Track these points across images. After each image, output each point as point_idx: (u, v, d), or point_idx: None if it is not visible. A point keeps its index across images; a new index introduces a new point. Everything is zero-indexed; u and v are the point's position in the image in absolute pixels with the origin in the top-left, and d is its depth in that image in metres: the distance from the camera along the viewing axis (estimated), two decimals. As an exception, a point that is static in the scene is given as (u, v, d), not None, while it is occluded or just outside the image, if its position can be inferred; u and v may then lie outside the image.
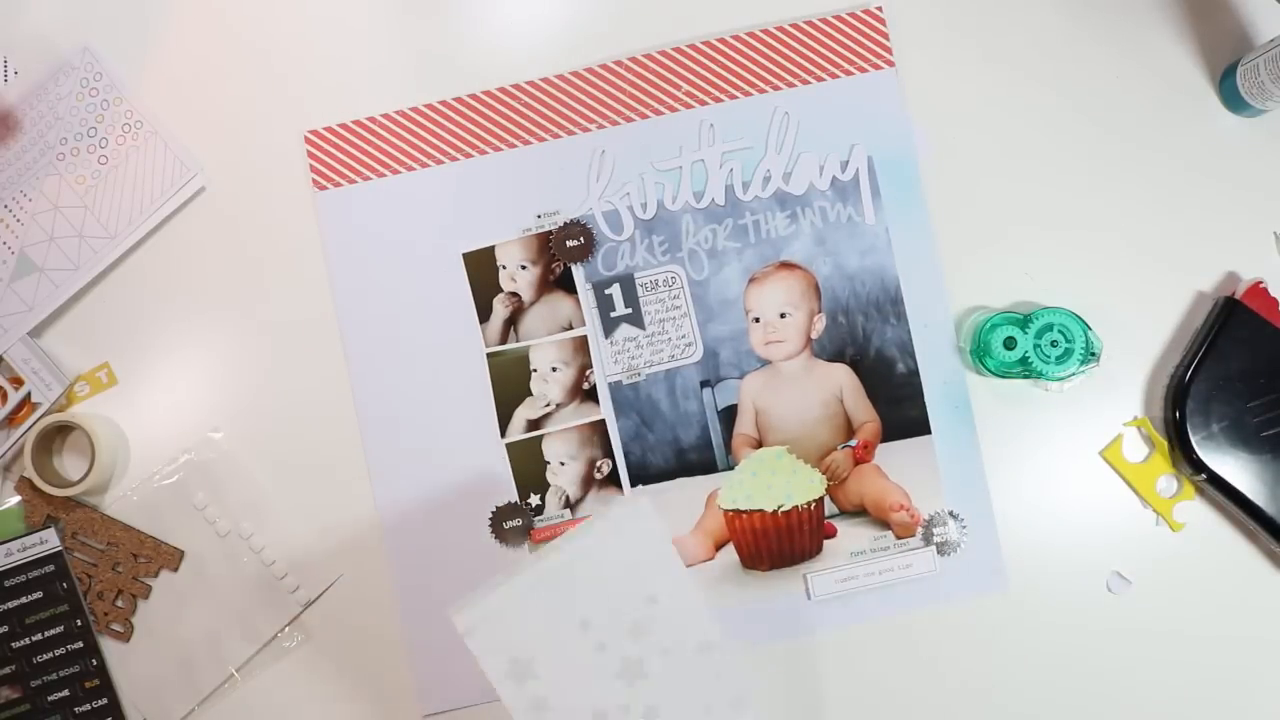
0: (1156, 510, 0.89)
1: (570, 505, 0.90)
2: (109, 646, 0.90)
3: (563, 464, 0.90)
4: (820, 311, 0.90)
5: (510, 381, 0.91)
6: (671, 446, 0.90)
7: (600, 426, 0.90)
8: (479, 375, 0.91)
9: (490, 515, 0.90)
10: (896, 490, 0.89)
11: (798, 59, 0.92)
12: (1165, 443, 0.89)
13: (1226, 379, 0.87)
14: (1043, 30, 0.93)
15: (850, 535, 0.89)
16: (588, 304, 0.91)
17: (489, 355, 0.91)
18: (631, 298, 0.91)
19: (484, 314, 0.91)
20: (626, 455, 0.90)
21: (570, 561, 0.73)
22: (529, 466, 0.90)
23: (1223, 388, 0.87)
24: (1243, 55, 0.89)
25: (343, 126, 0.92)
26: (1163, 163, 0.91)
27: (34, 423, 0.90)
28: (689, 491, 0.90)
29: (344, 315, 0.92)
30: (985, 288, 0.91)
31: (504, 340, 0.91)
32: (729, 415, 0.90)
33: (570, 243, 0.91)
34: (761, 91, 0.92)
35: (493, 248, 0.91)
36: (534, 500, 0.90)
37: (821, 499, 0.89)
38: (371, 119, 0.92)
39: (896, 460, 0.90)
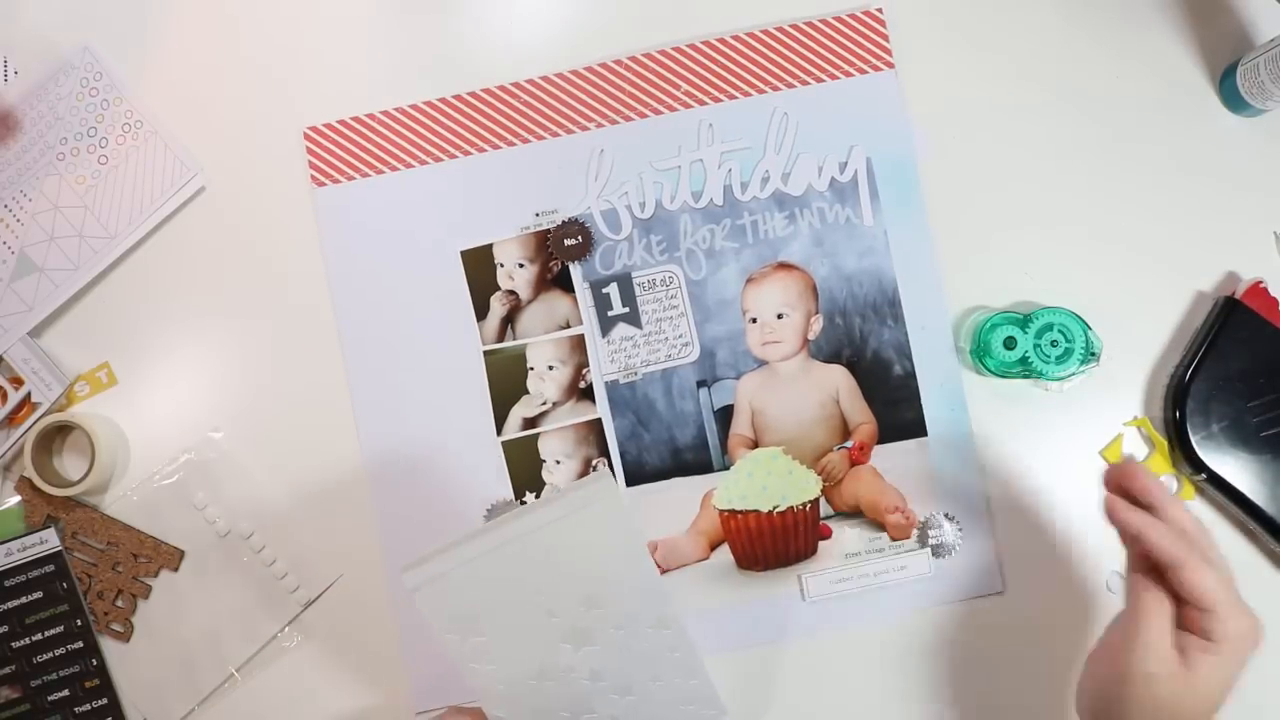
0: (1156, 511, 0.89)
1: (566, 505, 0.90)
2: (109, 646, 0.91)
3: (559, 462, 0.90)
4: (817, 312, 0.90)
5: (507, 379, 0.91)
6: (667, 446, 0.90)
7: (596, 425, 0.90)
8: (476, 373, 0.91)
9: (485, 513, 0.90)
10: (892, 492, 0.89)
11: (797, 60, 0.92)
12: (1165, 443, 0.89)
13: (1226, 379, 0.87)
14: (1042, 31, 0.92)
15: (845, 537, 0.89)
16: (585, 303, 0.91)
17: (486, 353, 0.91)
18: (629, 297, 0.91)
19: (481, 312, 0.91)
20: (622, 454, 0.90)
21: (530, 531, 0.72)
22: (525, 465, 0.90)
23: (1223, 388, 0.87)
24: (1243, 55, 0.89)
25: (341, 123, 0.93)
26: (1163, 163, 0.91)
27: (34, 423, 0.90)
28: (684, 491, 0.90)
29: (341, 312, 0.92)
30: (985, 288, 0.91)
31: (501, 338, 0.91)
32: (725, 415, 0.90)
33: (568, 241, 0.91)
34: (761, 92, 0.92)
35: (491, 246, 0.92)
36: (529, 498, 0.90)
37: (817, 500, 0.89)
38: (370, 116, 0.93)
39: (892, 462, 0.89)
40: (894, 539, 0.89)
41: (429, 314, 0.91)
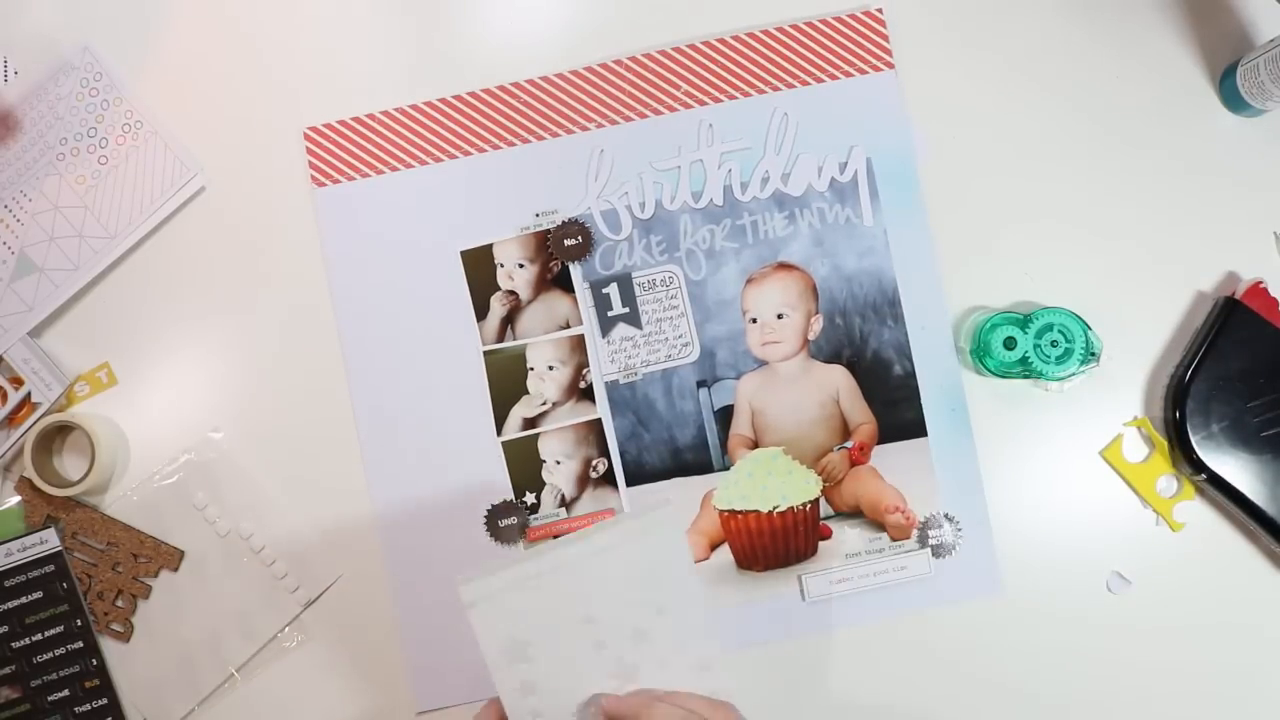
0: (1156, 510, 0.89)
1: (566, 504, 0.90)
2: (109, 646, 0.91)
3: (558, 463, 0.90)
4: (817, 312, 0.90)
5: (507, 380, 0.91)
6: (667, 446, 0.90)
7: (596, 425, 0.90)
8: (476, 373, 0.91)
9: (485, 513, 0.90)
10: (892, 492, 0.89)
11: (797, 60, 0.92)
12: (1165, 443, 0.89)
13: (1226, 379, 0.87)
14: (1043, 31, 0.92)
15: (845, 537, 0.89)
16: (585, 303, 0.91)
17: (486, 353, 0.91)
18: (629, 297, 0.91)
19: (481, 312, 0.91)
20: (622, 454, 0.90)
21: (588, 554, 0.71)
22: (525, 465, 0.90)
23: (1223, 388, 0.86)
24: (1243, 55, 0.89)
25: (341, 124, 0.92)
26: (1163, 163, 0.91)
27: (34, 423, 0.90)
28: (684, 491, 0.90)
29: (341, 312, 0.92)
30: (985, 288, 0.91)
31: (501, 338, 0.91)
32: (725, 415, 0.90)
33: (568, 241, 0.91)
34: (761, 92, 0.92)
35: (491, 246, 0.92)
36: (529, 499, 0.90)
37: (817, 500, 0.89)
38: (370, 116, 0.93)
39: (892, 462, 0.89)
40: (894, 539, 0.89)
41: (429, 314, 0.91)
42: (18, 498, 0.91)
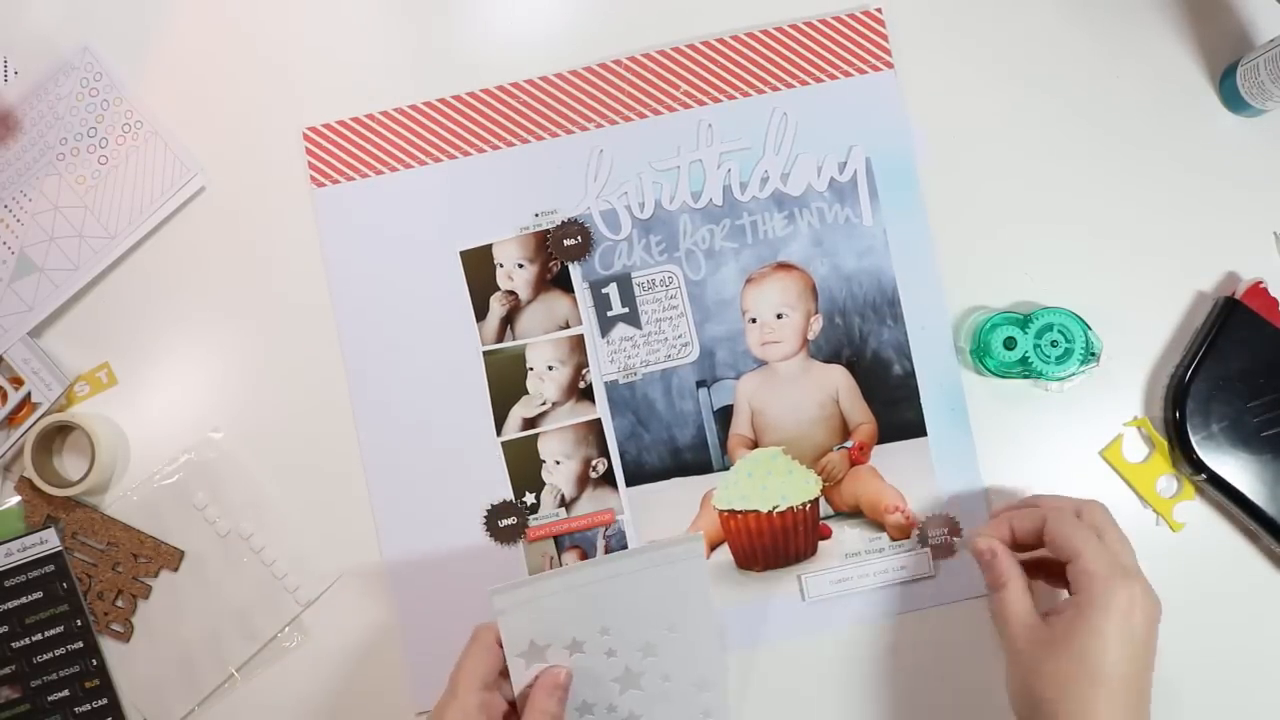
0: (1156, 510, 0.89)
1: (565, 504, 0.90)
2: (109, 646, 0.91)
3: (558, 463, 0.90)
4: (817, 312, 0.90)
5: (506, 380, 0.91)
6: (667, 446, 0.90)
7: (596, 425, 0.90)
8: (475, 373, 0.91)
9: (485, 513, 0.90)
10: (892, 492, 0.89)
11: (796, 60, 0.92)
12: (1165, 443, 0.89)
13: (1226, 379, 0.86)
14: (1042, 31, 0.92)
15: (845, 537, 0.89)
16: (584, 303, 0.91)
17: (485, 353, 0.91)
18: (628, 297, 0.91)
19: (481, 312, 0.91)
20: (622, 454, 0.90)
21: (613, 575, 0.77)
22: (524, 465, 0.90)
23: (1223, 388, 0.86)
24: (1243, 55, 0.89)
25: (341, 124, 0.92)
26: (1163, 163, 0.91)
27: (34, 423, 0.90)
28: (684, 491, 0.90)
29: (341, 312, 0.92)
30: (985, 288, 0.91)
31: (500, 338, 0.91)
32: (725, 415, 0.90)
33: (568, 241, 0.91)
34: (760, 92, 0.92)
35: (490, 246, 0.91)
36: (529, 499, 0.90)
37: (817, 500, 0.89)
38: (370, 116, 0.92)
39: (892, 462, 0.89)
40: (894, 539, 0.89)
41: (428, 314, 0.91)
42: (18, 498, 0.91)
